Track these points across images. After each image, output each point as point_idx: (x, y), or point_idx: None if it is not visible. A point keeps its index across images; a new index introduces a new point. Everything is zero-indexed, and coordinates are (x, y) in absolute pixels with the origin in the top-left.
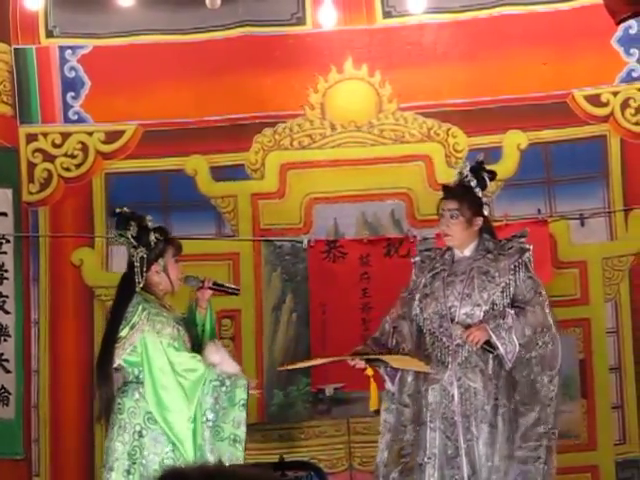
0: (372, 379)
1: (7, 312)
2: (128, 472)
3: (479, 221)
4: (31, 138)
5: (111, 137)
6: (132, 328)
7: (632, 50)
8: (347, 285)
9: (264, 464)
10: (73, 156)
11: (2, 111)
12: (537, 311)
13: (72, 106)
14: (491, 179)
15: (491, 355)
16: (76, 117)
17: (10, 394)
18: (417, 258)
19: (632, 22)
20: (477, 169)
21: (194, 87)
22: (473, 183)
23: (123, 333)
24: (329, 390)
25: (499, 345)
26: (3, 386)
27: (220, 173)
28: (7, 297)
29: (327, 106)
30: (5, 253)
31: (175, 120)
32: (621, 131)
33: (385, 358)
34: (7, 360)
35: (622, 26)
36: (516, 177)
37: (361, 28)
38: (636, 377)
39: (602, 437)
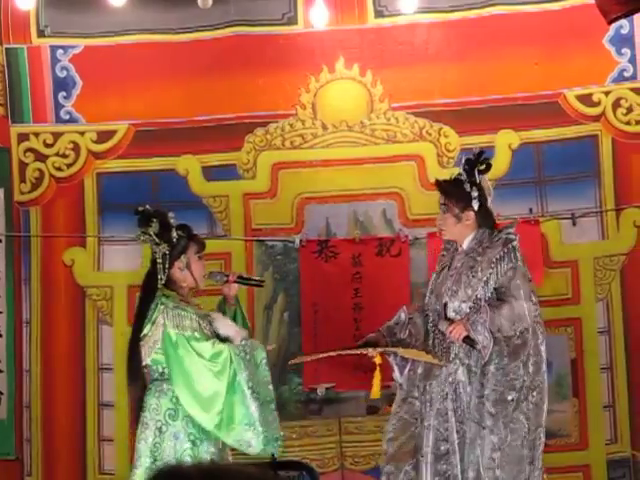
0: (379, 368)
1: None
2: (150, 470)
3: (470, 216)
4: (22, 138)
5: (103, 137)
6: (153, 324)
7: (624, 50)
8: (339, 285)
9: (261, 463)
10: (65, 156)
11: None
12: (513, 303)
13: (63, 106)
14: (484, 171)
15: (474, 350)
16: (68, 117)
17: (2, 394)
18: (440, 253)
19: (624, 22)
20: (470, 163)
21: (186, 87)
22: (463, 177)
23: (146, 330)
24: (321, 390)
25: (477, 339)
26: None
27: (212, 173)
28: None
29: (319, 106)
30: None
31: (167, 120)
32: (612, 131)
33: (399, 351)
34: None
35: (613, 26)
36: (508, 177)
37: (352, 28)
38: (627, 376)
39: (593, 436)
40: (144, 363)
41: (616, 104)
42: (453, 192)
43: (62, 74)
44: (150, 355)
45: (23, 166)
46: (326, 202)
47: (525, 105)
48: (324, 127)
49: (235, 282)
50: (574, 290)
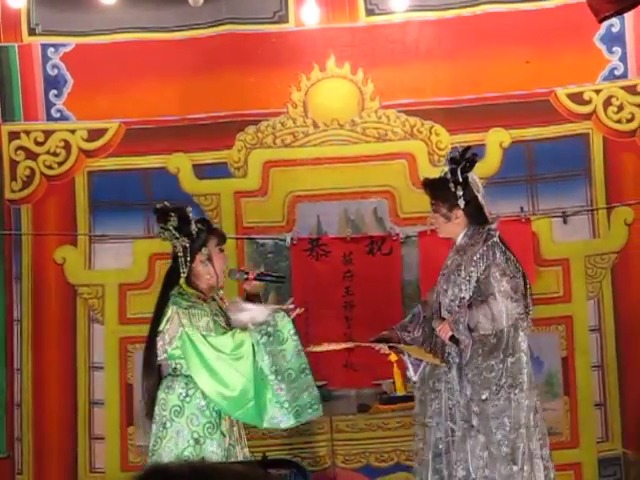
0: (395, 365)
1: None
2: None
3: (458, 214)
4: (13, 136)
5: (94, 135)
6: (167, 322)
7: (614, 48)
8: (330, 283)
9: (251, 461)
10: (56, 154)
11: None
12: (491, 302)
13: (55, 104)
14: (468, 169)
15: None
16: (59, 115)
17: None
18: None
19: (614, 20)
20: (455, 161)
21: (177, 85)
22: (448, 176)
23: (161, 327)
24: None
25: (460, 339)
26: None
27: (203, 171)
28: None
29: (310, 104)
30: None
31: (158, 118)
32: (603, 129)
33: (404, 348)
34: None
35: (604, 24)
36: (499, 175)
37: (344, 26)
38: (618, 375)
39: (585, 434)
40: (159, 358)
41: (607, 102)
42: (439, 192)
43: (53, 72)
44: (165, 351)
45: (14, 164)
46: (317, 200)
47: (516, 103)
48: (315, 125)
49: (255, 279)
50: (565, 288)
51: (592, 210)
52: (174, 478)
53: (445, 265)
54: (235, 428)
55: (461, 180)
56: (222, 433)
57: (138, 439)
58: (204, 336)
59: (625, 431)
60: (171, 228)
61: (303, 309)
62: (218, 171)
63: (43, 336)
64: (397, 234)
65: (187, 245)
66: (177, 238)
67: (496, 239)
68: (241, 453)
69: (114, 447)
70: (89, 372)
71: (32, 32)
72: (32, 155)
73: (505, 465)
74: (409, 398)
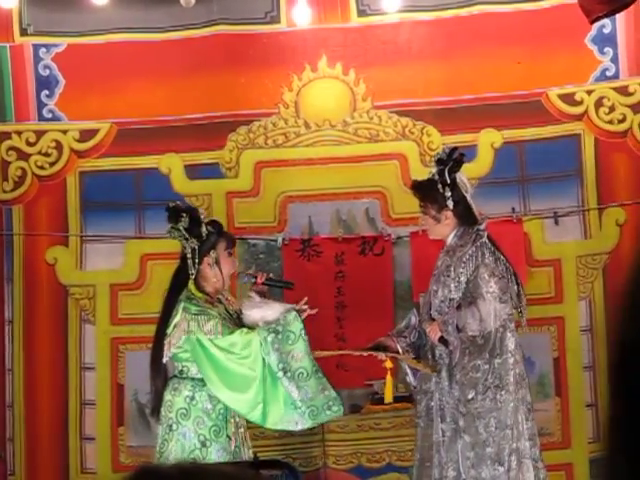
0: (389, 372)
1: None
2: None
3: (448, 215)
4: (5, 136)
5: (85, 135)
6: (174, 328)
7: (606, 49)
8: (322, 283)
9: (241, 462)
10: (47, 154)
11: None
12: (480, 304)
13: (46, 104)
14: (455, 170)
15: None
16: (50, 115)
17: None
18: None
19: (606, 21)
20: (442, 162)
21: (168, 85)
22: (436, 178)
23: (168, 330)
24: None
25: (449, 340)
26: None
27: (194, 171)
28: None
29: (301, 104)
30: None
31: (149, 118)
32: (595, 130)
33: (398, 357)
34: None
35: (596, 25)
36: (490, 176)
37: (335, 27)
38: None
39: (576, 435)
40: (164, 360)
41: (598, 103)
42: (428, 194)
43: (45, 73)
44: (170, 352)
45: (5, 164)
46: (309, 201)
47: (508, 104)
48: (307, 126)
49: (263, 284)
50: (557, 289)
51: (583, 211)
52: (164, 479)
53: (436, 266)
54: (241, 430)
55: (449, 181)
56: (228, 436)
57: (129, 440)
58: (211, 339)
59: None
60: (181, 228)
61: (316, 310)
62: (210, 171)
63: (34, 336)
64: (389, 235)
65: (196, 247)
66: (186, 239)
67: (485, 239)
68: (247, 455)
69: (105, 448)
70: (80, 372)
71: (24, 32)
72: (24, 155)
73: (491, 465)
74: (401, 399)
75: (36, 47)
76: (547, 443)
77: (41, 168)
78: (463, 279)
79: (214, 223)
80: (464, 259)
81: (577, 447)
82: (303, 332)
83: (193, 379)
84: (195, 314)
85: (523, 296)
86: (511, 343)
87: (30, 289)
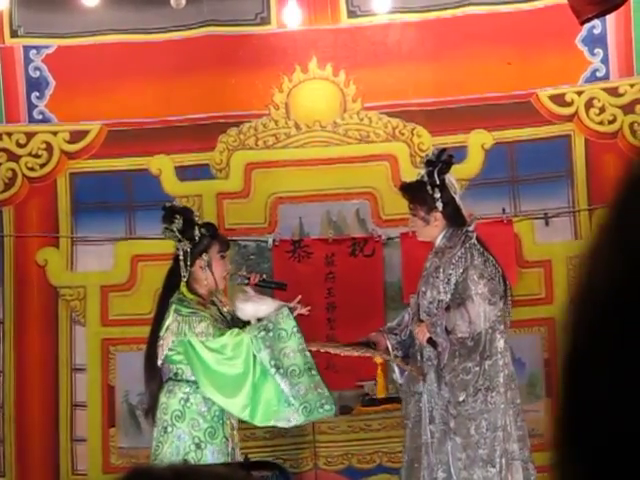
0: (380, 367)
1: None
2: None
3: (437, 217)
4: None
5: (76, 137)
6: (166, 330)
7: (596, 50)
8: (312, 284)
9: (232, 463)
10: (37, 156)
11: None
12: (469, 305)
13: (36, 106)
14: (444, 171)
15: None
16: (41, 117)
17: None
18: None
19: (596, 22)
20: (431, 164)
21: (159, 87)
22: (425, 179)
23: (161, 333)
24: None
25: (438, 342)
26: None
27: (185, 173)
28: None
29: (292, 106)
30: None
31: (140, 120)
32: (585, 131)
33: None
34: None
35: (586, 26)
36: (481, 177)
37: (326, 28)
38: None
39: None
40: (159, 362)
41: (589, 104)
42: (417, 196)
43: (35, 74)
44: (163, 354)
45: None
46: (299, 202)
47: (498, 105)
48: (297, 127)
49: (256, 285)
50: (547, 290)
51: (574, 211)
52: None
53: (424, 267)
54: (235, 432)
55: (438, 182)
56: (225, 437)
57: (120, 441)
58: (203, 342)
59: None
60: (175, 230)
61: (309, 308)
62: (200, 173)
63: (25, 338)
64: (379, 236)
65: (188, 249)
66: (179, 240)
67: (474, 241)
68: (237, 457)
69: (96, 449)
70: (71, 374)
71: (14, 34)
72: (14, 157)
73: (483, 467)
74: (391, 400)
75: (26, 49)
76: (538, 444)
77: (31, 169)
78: (452, 280)
79: (208, 225)
80: (453, 260)
81: None
82: (296, 329)
83: (188, 381)
84: (186, 316)
85: (509, 298)
86: (501, 344)
87: (20, 290)
